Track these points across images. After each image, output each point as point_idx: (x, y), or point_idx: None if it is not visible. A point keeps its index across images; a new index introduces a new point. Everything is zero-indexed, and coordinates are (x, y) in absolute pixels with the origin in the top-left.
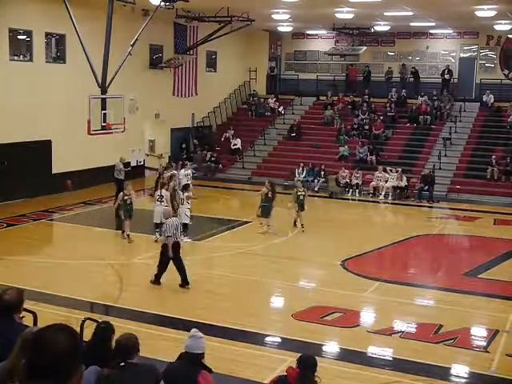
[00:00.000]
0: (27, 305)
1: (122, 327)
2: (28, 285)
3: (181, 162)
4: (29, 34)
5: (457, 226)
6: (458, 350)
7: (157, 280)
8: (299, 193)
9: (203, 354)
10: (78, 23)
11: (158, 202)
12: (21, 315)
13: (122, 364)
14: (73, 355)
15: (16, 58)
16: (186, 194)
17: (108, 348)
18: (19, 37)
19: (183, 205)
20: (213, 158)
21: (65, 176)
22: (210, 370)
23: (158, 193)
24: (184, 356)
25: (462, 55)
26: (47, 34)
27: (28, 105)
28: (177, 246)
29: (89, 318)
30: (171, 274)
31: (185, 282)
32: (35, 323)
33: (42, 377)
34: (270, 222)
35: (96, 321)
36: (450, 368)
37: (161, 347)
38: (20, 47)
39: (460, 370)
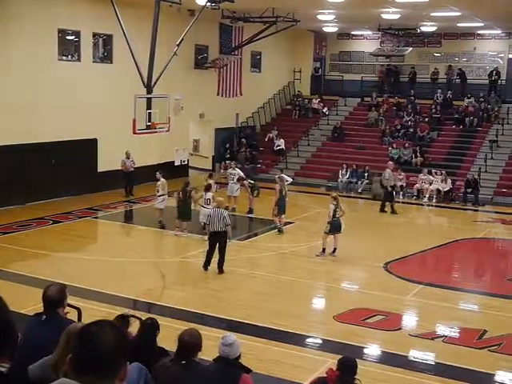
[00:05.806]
0: (71, 301)
1: (164, 325)
2: (72, 281)
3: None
4: (77, 34)
5: (502, 229)
6: (503, 356)
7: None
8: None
9: (239, 355)
10: (125, 23)
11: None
12: (65, 310)
13: (183, 362)
14: (119, 352)
15: (64, 57)
16: None
17: (152, 345)
18: (68, 37)
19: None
20: (249, 157)
21: (110, 174)
22: (248, 370)
23: (205, 196)
24: (220, 360)
25: (510, 56)
26: (95, 35)
27: (75, 104)
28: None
29: (132, 315)
30: (213, 274)
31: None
32: (79, 319)
33: (88, 372)
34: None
35: (139, 318)
36: (494, 374)
37: (204, 346)
38: (68, 47)
39: (505, 377)
